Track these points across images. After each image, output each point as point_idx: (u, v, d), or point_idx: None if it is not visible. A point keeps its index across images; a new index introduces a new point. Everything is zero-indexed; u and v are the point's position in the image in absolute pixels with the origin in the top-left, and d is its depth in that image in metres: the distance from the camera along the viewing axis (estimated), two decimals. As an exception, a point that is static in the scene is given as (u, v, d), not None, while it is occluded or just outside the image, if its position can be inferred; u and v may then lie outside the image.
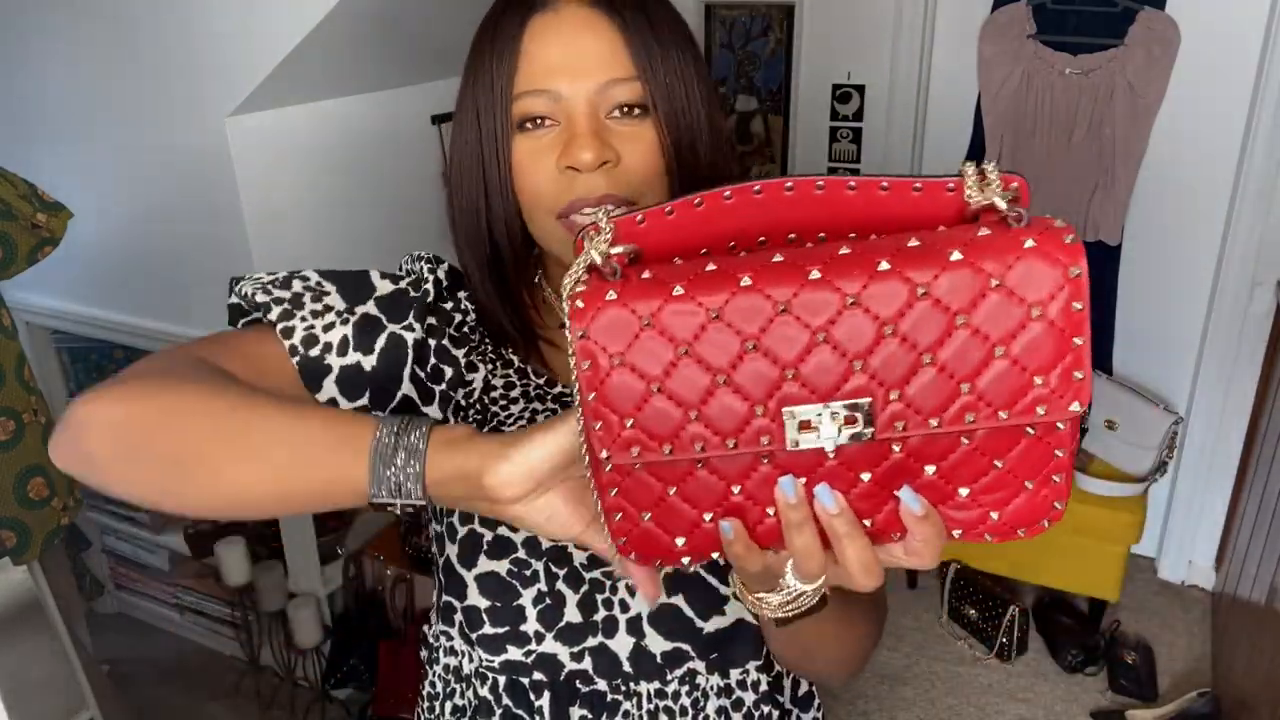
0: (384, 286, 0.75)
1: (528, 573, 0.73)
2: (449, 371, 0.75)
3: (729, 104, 2.93)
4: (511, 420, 0.76)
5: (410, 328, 0.73)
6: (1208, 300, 2.53)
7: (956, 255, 0.45)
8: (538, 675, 0.76)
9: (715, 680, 0.76)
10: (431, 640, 0.84)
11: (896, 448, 0.48)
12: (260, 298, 0.71)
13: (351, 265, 0.77)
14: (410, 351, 0.72)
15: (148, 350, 2.14)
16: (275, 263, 1.70)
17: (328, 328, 0.71)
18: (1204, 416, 2.60)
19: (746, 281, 0.46)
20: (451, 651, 0.81)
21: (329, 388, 0.70)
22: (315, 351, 0.70)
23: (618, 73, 0.68)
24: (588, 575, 0.74)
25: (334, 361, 0.70)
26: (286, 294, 0.72)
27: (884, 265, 0.45)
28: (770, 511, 0.50)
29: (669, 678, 0.75)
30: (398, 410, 0.73)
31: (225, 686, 2.41)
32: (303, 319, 0.71)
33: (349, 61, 1.97)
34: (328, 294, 0.73)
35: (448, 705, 0.82)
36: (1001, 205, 0.46)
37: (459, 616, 0.77)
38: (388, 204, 2.19)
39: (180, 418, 0.60)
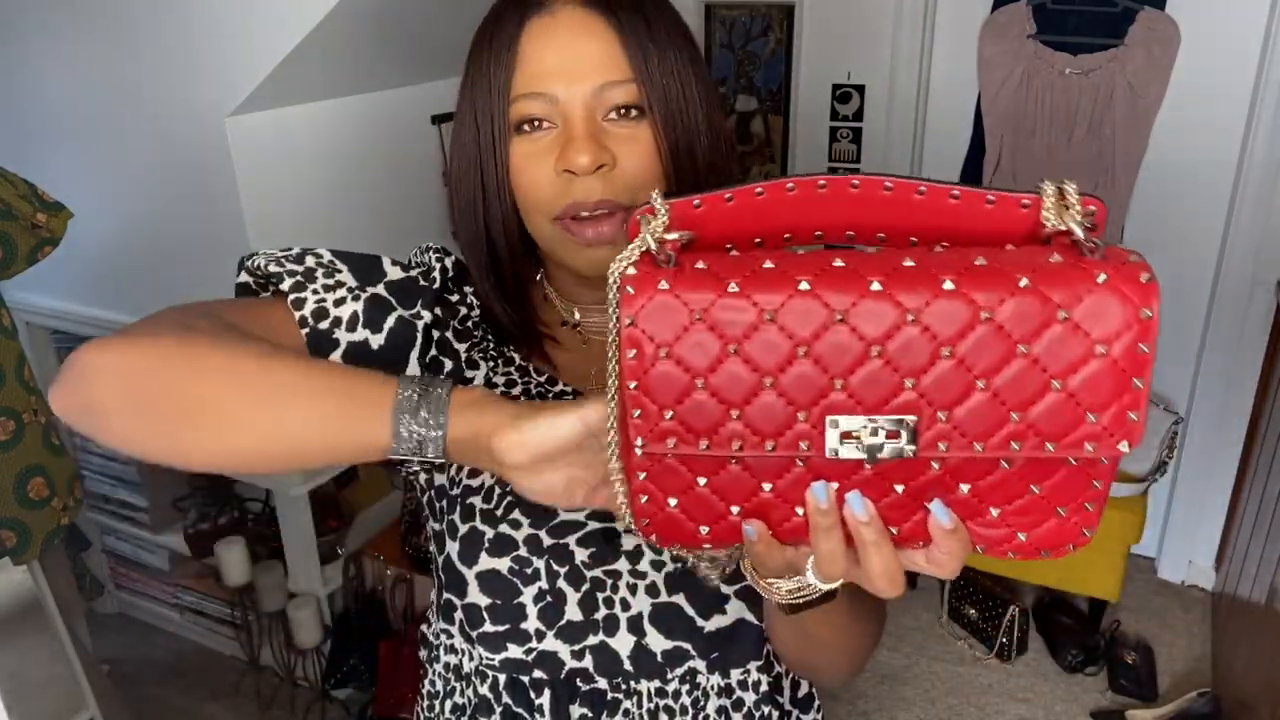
0: (394, 273, 0.76)
1: (529, 570, 0.73)
2: (448, 365, 0.76)
3: (729, 104, 2.93)
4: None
5: (419, 315, 0.74)
6: (1208, 300, 2.53)
7: (1025, 282, 0.43)
8: (538, 673, 0.76)
9: (715, 680, 0.76)
10: (431, 639, 0.84)
11: (935, 465, 0.47)
12: (273, 269, 0.72)
13: (352, 264, 0.77)
14: (419, 335, 0.73)
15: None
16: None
17: (339, 302, 0.71)
18: (1204, 416, 2.59)
19: (805, 285, 0.45)
20: (451, 650, 0.81)
21: (335, 362, 0.70)
22: (325, 325, 0.70)
23: (613, 75, 0.68)
24: (589, 573, 0.74)
25: (342, 336, 0.71)
26: (300, 267, 0.72)
27: (948, 284, 0.44)
28: (799, 511, 0.49)
29: (669, 677, 0.75)
30: None
31: (225, 686, 2.41)
32: (314, 291, 0.71)
33: (349, 61, 1.97)
34: (340, 271, 0.74)
35: (448, 704, 0.82)
36: (1079, 233, 0.45)
37: (459, 614, 0.77)
38: (388, 204, 2.19)
39: (199, 364, 0.59)
